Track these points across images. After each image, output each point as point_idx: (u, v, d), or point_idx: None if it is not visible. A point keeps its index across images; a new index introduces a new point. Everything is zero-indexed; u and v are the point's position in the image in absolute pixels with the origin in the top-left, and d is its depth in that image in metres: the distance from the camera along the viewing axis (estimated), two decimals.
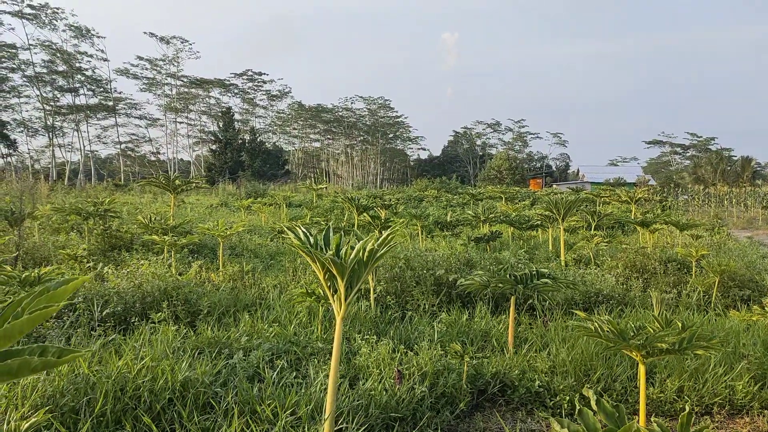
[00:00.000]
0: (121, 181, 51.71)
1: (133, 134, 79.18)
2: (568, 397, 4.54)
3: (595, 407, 1.87)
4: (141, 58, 72.96)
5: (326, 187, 33.11)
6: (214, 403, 3.84)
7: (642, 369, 3.65)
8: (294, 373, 4.44)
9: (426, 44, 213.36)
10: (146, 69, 74.41)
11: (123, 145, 77.05)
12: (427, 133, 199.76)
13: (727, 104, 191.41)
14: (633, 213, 17.81)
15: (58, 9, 59.52)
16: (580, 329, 3.90)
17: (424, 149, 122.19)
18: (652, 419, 2.12)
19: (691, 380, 4.79)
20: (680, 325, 3.86)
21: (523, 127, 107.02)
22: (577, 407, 1.85)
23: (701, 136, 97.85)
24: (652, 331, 3.82)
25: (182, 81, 78.51)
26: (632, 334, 3.71)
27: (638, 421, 3.56)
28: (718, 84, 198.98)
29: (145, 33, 75.50)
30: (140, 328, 5.30)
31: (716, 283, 7.64)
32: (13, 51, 59.78)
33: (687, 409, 1.88)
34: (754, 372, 4.97)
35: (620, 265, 8.95)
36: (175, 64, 75.86)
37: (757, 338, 5.86)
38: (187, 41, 74.44)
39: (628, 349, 3.66)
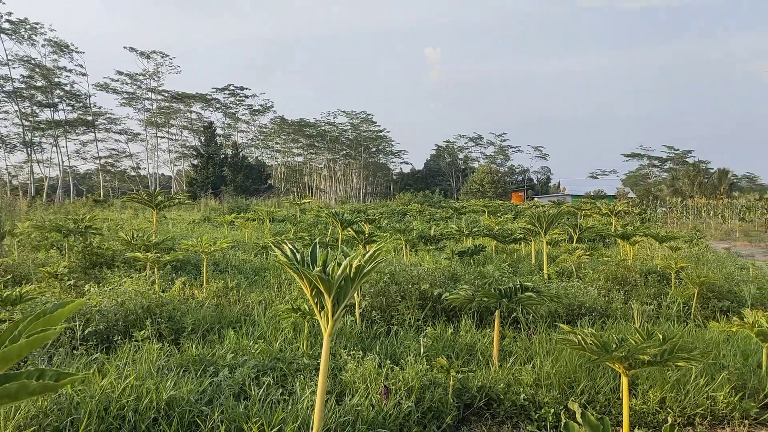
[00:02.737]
0: (100, 196, 51.20)
1: (113, 149, 78.55)
2: (553, 410, 4.58)
3: (580, 420, 1.91)
4: (121, 73, 72.60)
5: (310, 202, 33.06)
6: (199, 422, 3.82)
7: (625, 381, 3.70)
8: (280, 390, 4.44)
9: (409, 60, 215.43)
10: (126, 84, 74.02)
11: (102, 161, 76.36)
12: (410, 147, 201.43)
13: (703, 117, 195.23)
14: (613, 225, 18.03)
15: (37, 24, 59.08)
16: (565, 342, 3.95)
17: (407, 163, 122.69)
18: (635, 431, 2.16)
19: (673, 391, 4.85)
20: (661, 337, 3.93)
21: (505, 140, 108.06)
22: (563, 420, 1.89)
23: (678, 149, 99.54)
24: (634, 343, 3.88)
25: (163, 96, 78.18)
26: (615, 346, 3.76)
27: None
28: (695, 97, 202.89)
29: (125, 47, 75.07)
30: (123, 347, 5.26)
31: (696, 294, 7.76)
32: None
33: (669, 420, 1.92)
34: (735, 383, 5.05)
35: (602, 278, 9.06)
36: (156, 78, 75.56)
37: (736, 349, 5.97)
38: (168, 55, 74.21)
39: (611, 361, 3.72)
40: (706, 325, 7.16)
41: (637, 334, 4.15)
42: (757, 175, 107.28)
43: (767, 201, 33.84)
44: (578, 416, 1.92)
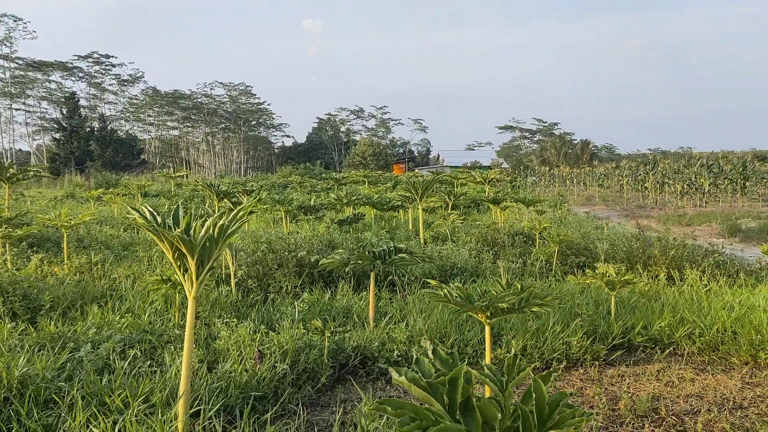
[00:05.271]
0: None
1: None
2: None
3: (431, 356, 2.01)
4: None
5: (186, 176, 31.72)
6: (57, 399, 3.59)
7: (488, 329, 3.92)
8: (149, 362, 4.26)
9: (289, 32, 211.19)
10: None
11: None
12: (292, 120, 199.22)
13: (570, 90, 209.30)
14: (486, 193, 18.92)
15: None
16: (433, 296, 4.11)
17: (289, 136, 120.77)
18: (484, 363, 2.31)
19: (533, 339, 5.21)
20: (519, 287, 4.20)
21: (386, 113, 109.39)
22: (415, 356, 1.97)
23: (546, 122, 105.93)
24: (495, 293, 4.11)
25: (17, 63, 71.22)
26: (478, 297, 3.97)
27: None
28: (563, 74, 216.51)
29: None
30: None
31: (556, 251, 8.36)
32: None
33: (513, 351, 2.06)
34: (587, 328, 5.52)
35: (474, 240, 9.50)
36: (8, 44, 68.63)
37: (589, 298, 6.51)
38: (21, 19, 67.66)
39: (474, 311, 3.92)
40: (564, 279, 7.73)
41: (499, 287, 4.41)
42: (614, 145, 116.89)
43: (623, 169, 36.96)
44: (429, 352, 2.01)
